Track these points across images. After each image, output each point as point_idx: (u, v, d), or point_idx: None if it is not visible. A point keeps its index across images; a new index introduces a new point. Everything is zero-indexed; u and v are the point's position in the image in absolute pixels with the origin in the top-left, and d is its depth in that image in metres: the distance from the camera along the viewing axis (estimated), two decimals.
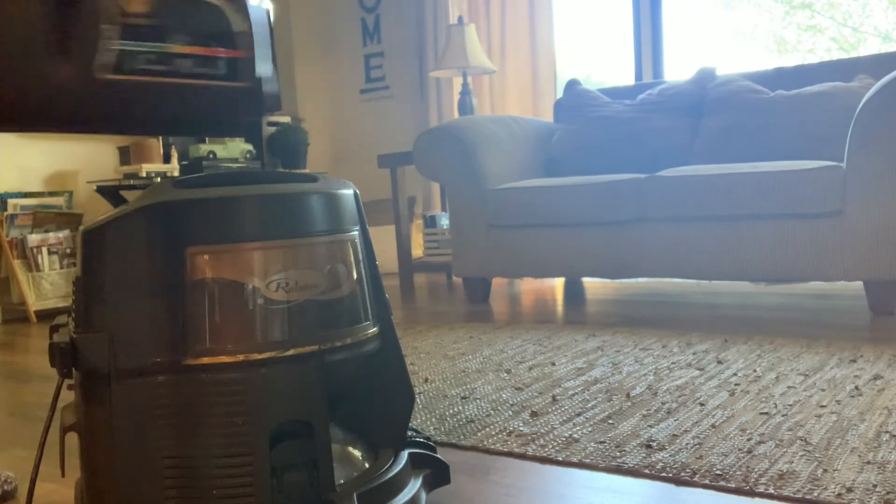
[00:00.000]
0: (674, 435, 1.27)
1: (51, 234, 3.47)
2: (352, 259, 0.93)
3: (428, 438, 1.09)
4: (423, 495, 0.99)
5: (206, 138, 4.11)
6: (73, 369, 0.87)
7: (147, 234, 0.84)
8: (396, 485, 0.95)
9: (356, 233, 0.96)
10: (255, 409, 0.83)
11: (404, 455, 1.00)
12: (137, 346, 0.83)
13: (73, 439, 0.93)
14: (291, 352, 0.85)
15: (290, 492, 0.85)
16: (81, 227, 0.88)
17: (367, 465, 0.96)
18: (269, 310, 0.85)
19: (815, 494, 1.00)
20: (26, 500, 0.92)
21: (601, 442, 1.27)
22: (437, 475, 1.04)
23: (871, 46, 4.05)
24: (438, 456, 1.06)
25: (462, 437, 1.34)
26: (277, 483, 0.84)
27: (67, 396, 0.95)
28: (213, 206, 0.85)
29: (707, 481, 1.07)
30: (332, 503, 0.86)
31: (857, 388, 1.49)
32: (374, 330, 0.96)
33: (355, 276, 0.94)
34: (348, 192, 0.96)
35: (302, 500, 0.86)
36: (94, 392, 0.85)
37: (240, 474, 0.83)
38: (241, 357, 0.83)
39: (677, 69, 3.88)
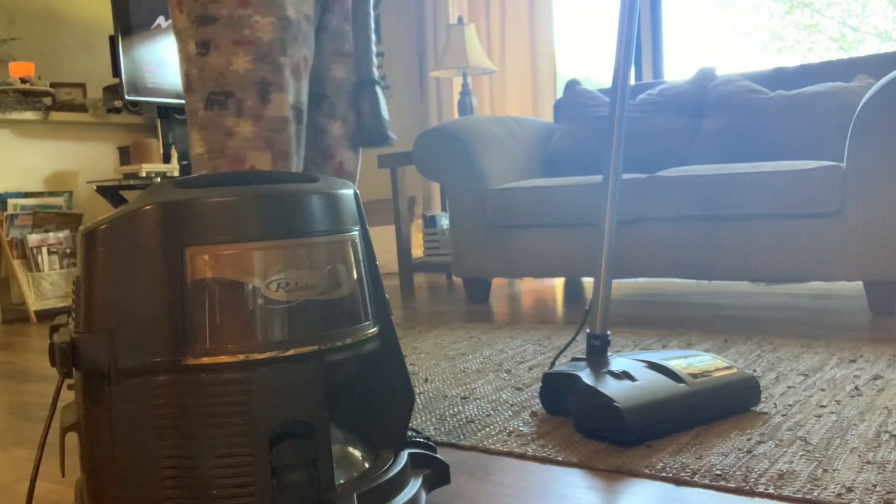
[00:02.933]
0: (674, 435, 1.27)
1: (51, 234, 3.47)
2: (352, 259, 0.93)
3: (428, 438, 1.09)
4: (423, 495, 0.99)
5: None
6: (74, 369, 0.86)
7: (147, 235, 0.84)
8: (396, 485, 0.95)
9: (356, 233, 0.96)
10: (255, 408, 0.83)
11: (404, 455, 1.00)
12: (137, 345, 0.83)
13: (73, 439, 0.93)
14: (291, 352, 0.85)
15: (290, 492, 0.85)
16: (81, 228, 0.88)
17: (367, 466, 0.96)
18: (270, 310, 0.85)
19: (815, 494, 1.00)
20: (26, 499, 0.92)
21: (601, 442, 1.27)
22: (438, 475, 1.04)
23: (871, 46, 4.05)
24: (438, 456, 1.06)
25: (462, 437, 1.34)
26: (277, 483, 0.84)
27: (67, 396, 0.95)
28: (213, 206, 0.85)
29: (707, 481, 1.07)
30: (332, 503, 0.86)
31: (856, 388, 1.49)
32: (374, 330, 0.96)
33: (355, 276, 0.94)
34: (348, 192, 0.96)
35: (302, 500, 0.86)
36: (94, 392, 0.85)
37: (240, 474, 0.82)
38: (241, 357, 0.83)
39: (677, 69, 3.88)
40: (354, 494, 0.87)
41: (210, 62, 1.28)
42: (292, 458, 0.85)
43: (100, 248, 0.85)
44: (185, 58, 1.31)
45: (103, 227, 0.85)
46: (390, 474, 0.94)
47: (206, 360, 0.83)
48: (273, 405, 0.84)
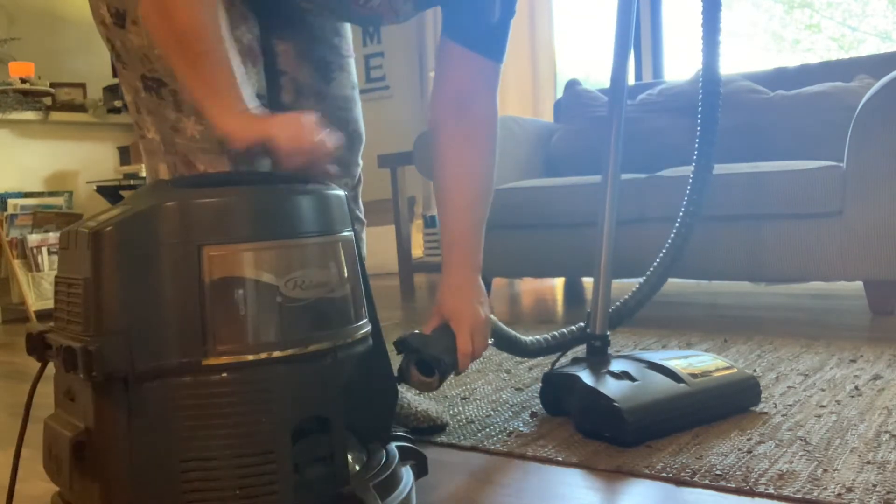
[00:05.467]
0: (674, 435, 1.27)
1: (51, 234, 3.47)
2: (353, 257, 0.94)
3: (407, 433, 1.11)
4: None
5: None
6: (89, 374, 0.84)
7: (163, 234, 0.82)
8: (398, 476, 0.98)
9: (352, 232, 0.97)
10: (277, 406, 0.83)
11: (394, 448, 1.02)
12: (155, 347, 0.81)
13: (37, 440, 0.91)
14: (311, 349, 0.86)
15: (311, 487, 0.85)
16: (88, 228, 0.85)
17: (364, 459, 0.97)
18: (288, 308, 0.85)
19: (815, 494, 1.00)
20: (7, 499, 0.91)
21: (601, 442, 1.27)
22: (419, 466, 1.07)
23: (871, 46, 4.05)
24: (418, 448, 1.09)
25: (462, 437, 1.34)
26: (299, 479, 0.84)
27: (48, 402, 0.94)
28: (231, 205, 0.84)
29: (707, 481, 1.07)
30: (355, 496, 0.87)
31: (856, 388, 1.49)
32: (369, 327, 0.97)
33: (355, 274, 0.94)
34: (342, 193, 0.97)
35: (322, 495, 0.86)
36: (109, 397, 0.82)
37: (263, 472, 0.82)
38: (263, 355, 0.83)
39: (677, 69, 3.88)
40: (370, 485, 0.89)
41: (131, 39, 1.06)
42: (312, 454, 0.86)
43: (112, 248, 0.82)
44: (101, 22, 1.10)
45: (116, 226, 0.82)
46: (392, 466, 0.96)
47: (226, 359, 0.82)
48: (294, 402, 0.85)
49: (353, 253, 0.94)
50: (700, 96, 1.52)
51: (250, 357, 0.83)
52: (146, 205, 0.83)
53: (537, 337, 1.49)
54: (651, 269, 1.56)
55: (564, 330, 1.51)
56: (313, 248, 0.88)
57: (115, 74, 3.69)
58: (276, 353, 0.84)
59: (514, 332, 1.44)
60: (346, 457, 0.89)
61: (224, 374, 0.82)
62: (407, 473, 1.01)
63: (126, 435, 0.81)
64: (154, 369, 0.81)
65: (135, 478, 0.81)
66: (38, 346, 0.90)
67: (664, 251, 1.54)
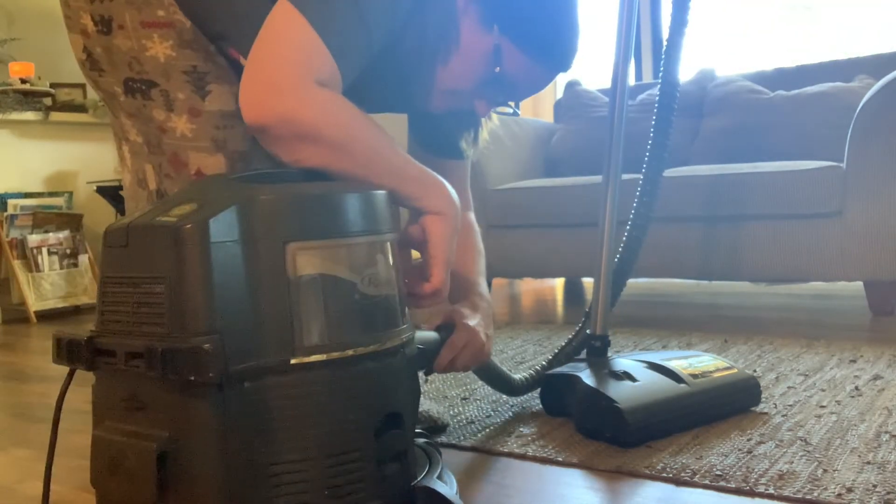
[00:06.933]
0: (674, 435, 1.27)
1: (51, 235, 3.47)
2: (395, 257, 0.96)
3: (425, 429, 1.13)
4: None
5: None
6: (176, 377, 0.79)
7: (247, 231, 0.80)
8: (446, 470, 1.01)
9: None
10: (364, 403, 0.84)
11: (426, 445, 1.05)
12: (246, 347, 0.79)
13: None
14: (387, 345, 0.86)
15: (391, 482, 0.86)
16: (162, 224, 0.80)
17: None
18: (367, 304, 0.85)
19: (815, 494, 1.00)
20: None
21: (601, 442, 1.27)
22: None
23: (871, 46, 4.05)
24: (435, 446, 1.10)
25: (462, 437, 1.34)
26: (380, 475, 0.85)
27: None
28: (313, 201, 0.84)
29: (707, 482, 1.07)
30: (430, 489, 0.88)
31: (857, 388, 1.49)
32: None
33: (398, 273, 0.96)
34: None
35: (399, 490, 0.87)
36: (204, 400, 0.78)
37: (349, 471, 0.82)
38: (349, 352, 0.83)
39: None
40: (434, 476, 0.91)
41: (117, 44, 1.09)
42: (391, 450, 0.87)
43: (195, 247, 0.78)
44: (81, 32, 1.11)
45: (199, 223, 0.79)
46: (437, 459, 0.99)
47: (315, 357, 0.81)
48: (377, 399, 0.85)
49: (395, 252, 0.95)
50: (657, 98, 1.52)
51: (337, 355, 0.82)
52: (225, 201, 0.81)
53: (523, 374, 1.52)
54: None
55: (549, 357, 1.54)
56: (380, 246, 0.89)
57: None
58: (361, 350, 0.83)
59: (507, 372, 1.47)
60: (415, 452, 0.91)
61: (313, 373, 0.81)
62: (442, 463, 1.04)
63: (221, 440, 0.78)
64: (245, 370, 0.79)
65: (228, 484, 0.78)
66: (82, 352, 0.83)
67: (617, 260, 1.55)
